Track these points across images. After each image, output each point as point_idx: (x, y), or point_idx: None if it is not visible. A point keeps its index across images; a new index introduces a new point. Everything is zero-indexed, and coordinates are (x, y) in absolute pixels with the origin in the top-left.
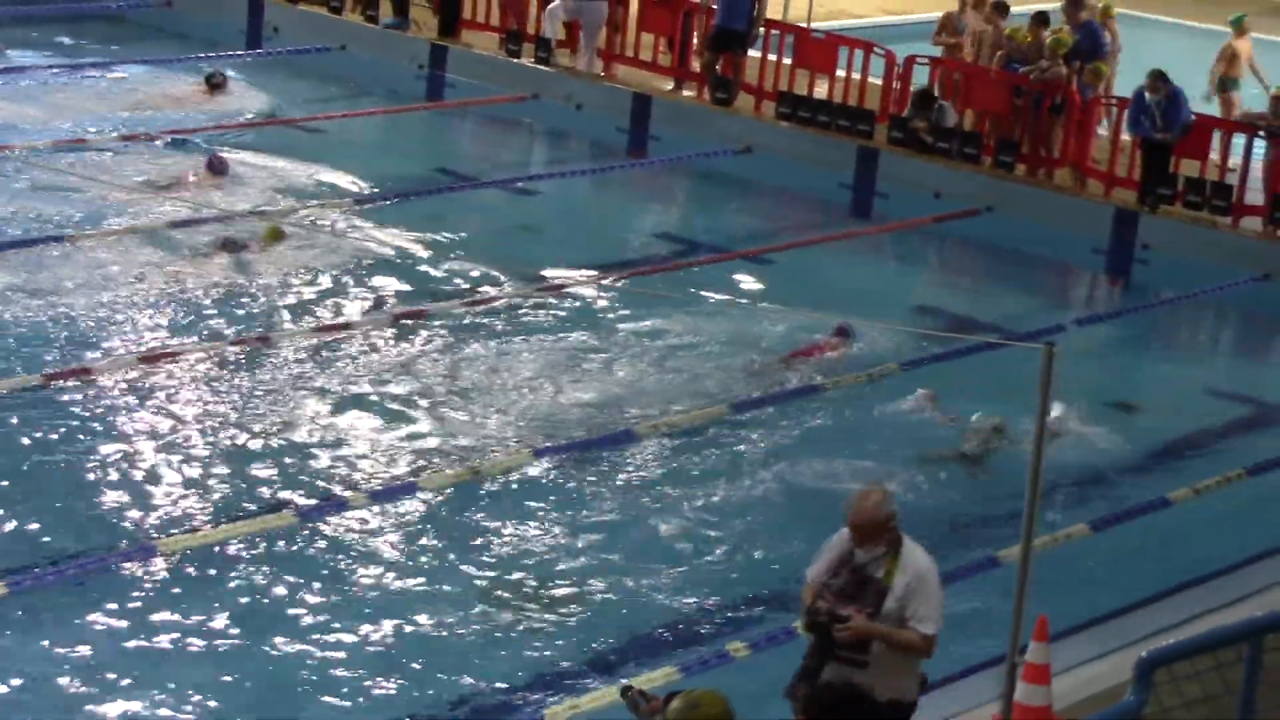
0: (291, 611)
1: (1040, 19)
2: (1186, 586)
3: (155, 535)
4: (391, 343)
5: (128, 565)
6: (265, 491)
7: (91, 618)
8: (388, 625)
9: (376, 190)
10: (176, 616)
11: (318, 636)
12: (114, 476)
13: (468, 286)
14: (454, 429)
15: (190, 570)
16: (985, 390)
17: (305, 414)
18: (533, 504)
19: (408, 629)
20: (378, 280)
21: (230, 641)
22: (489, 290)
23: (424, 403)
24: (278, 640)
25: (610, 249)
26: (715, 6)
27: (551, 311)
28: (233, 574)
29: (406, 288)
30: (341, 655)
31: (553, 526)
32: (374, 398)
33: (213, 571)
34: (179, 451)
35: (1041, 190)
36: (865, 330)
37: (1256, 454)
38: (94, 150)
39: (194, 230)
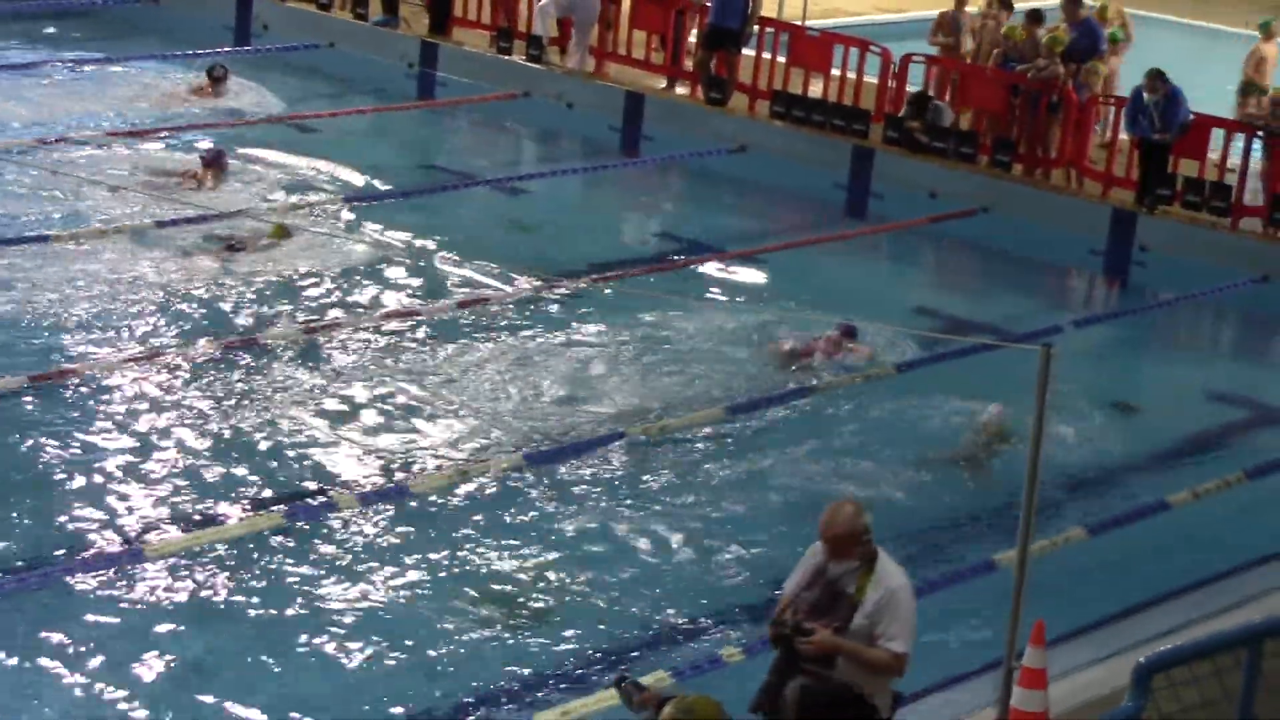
0: (278, 615)
1: (1035, 16)
2: (1185, 591)
3: (142, 537)
4: (381, 343)
5: (113, 567)
6: (252, 493)
7: (75, 620)
8: (376, 629)
9: (366, 189)
10: (162, 619)
11: (304, 640)
12: (99, 479)
13: (458, 287)
14: (444, 430)
15: (176, 572)
16: (982, 393)
17: (292, 415)
18: (523, 507)
19: (396, 633)
20: (366, 280)
21: (215, 644)
22: (480, 291)
23: (414, 404)
24: (263, 644)
25: (602, 249)
26: (709, 4)
27: (543, 312)
28: (219, 576)
29: (396, 288)
30: (328, 660)
31: (543, 530)
32: (363, 399)
33: (199, 574)
34: (165, 453)
35: (1039, 190)
36: (861, 331)
37: (1256, 457)
38: (76, 147)
39: (183, 229)
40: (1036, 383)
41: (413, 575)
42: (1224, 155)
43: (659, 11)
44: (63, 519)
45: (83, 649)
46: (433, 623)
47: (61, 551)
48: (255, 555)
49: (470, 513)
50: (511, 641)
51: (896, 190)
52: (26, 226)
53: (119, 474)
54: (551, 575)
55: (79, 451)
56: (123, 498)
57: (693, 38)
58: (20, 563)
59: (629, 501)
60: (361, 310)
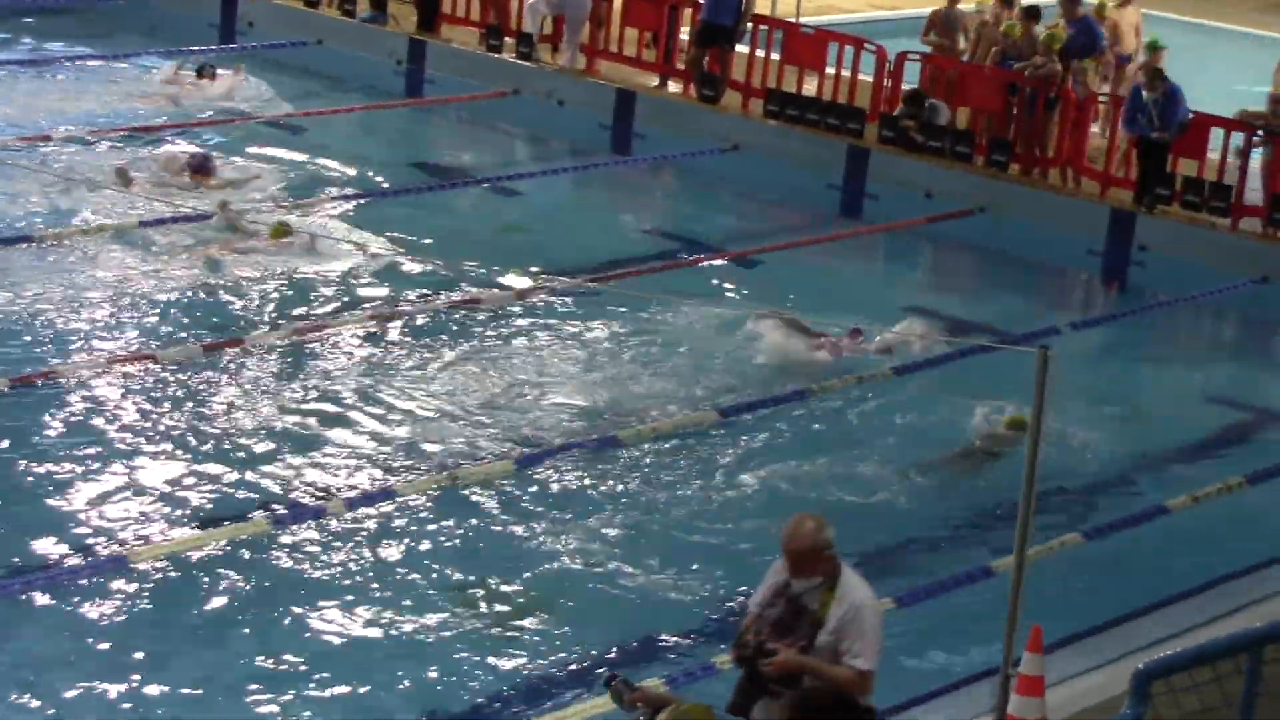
0: (268, 619)
1: (1030, 13)
2: (1184, 596)
3: (127, 542)
4: (369, 345)
5: (98, 573)
6: (240, 496)
7: (62, 626)
8: (367, 634)
9: (354, 189)
10: (149, 625)
11: (295, 645)
12: (81, 484)
13: (447, 287)
14: (434, 433)
15: (163, 578)
16: (979, 394)
17: (280, 418)
18: (515, 511)
19: (387, 638)
20: (354, 281)
21: (204, 649)
22: (469, 291)
23: (403, 406)
24: (253, 649)
25: (593, 249)
26: (702, 1)
27: (533, 313)
28: (207, 581)
29: (384, 288)
30: (320, 664)
31: (535, 535)
32: (351, 400)
33: (186, 579)
34: (150, 457)
35: (1036, 190)
36: (868, 333)
37: (1256, 461)
38: (58, 146)
39: (169, 230)
40: (1034, 385)
41: (402, 580)
42: (1223, 154)
43: (651, 8)
44: (44, 524)
45: (68, 655)
46: (423, 627)
47: (44, 557)
48: (244, 559)
49: (460, 517)
50: (504, 647)
51: (892, 190)
52: (8, 225)
53: (102, 478)
54: (544, 580)
55: (60, 456)
56: (106, 502)
57: (685, 34)
58: (0, 570)
59: (621, 506)
60: (346, 311)
